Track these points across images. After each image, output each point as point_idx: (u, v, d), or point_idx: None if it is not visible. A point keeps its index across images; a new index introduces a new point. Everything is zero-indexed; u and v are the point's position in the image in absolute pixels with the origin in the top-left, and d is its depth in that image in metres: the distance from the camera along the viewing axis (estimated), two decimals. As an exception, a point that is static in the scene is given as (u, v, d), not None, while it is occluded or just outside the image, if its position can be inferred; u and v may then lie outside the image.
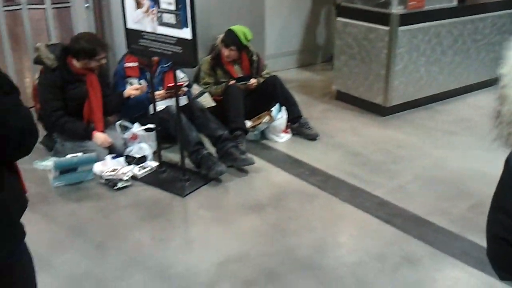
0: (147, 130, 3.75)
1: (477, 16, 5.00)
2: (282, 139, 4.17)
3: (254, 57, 4.44)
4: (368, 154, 3.98)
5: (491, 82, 5.43)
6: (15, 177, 1.41)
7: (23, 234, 1.45)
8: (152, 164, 3.59)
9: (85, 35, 3.65)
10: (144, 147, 3.66)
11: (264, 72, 4.49)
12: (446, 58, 4.89)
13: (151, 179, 3.48)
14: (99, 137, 3.59)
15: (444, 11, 4.72)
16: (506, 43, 5.22)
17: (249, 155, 3.72)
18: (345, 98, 4.99)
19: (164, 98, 3.84)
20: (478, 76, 5.31)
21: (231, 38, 4.23)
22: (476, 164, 3.82)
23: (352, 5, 4.74)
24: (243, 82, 4.24)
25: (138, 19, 3.17)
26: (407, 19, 4.43)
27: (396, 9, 4.38)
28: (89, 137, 3.58)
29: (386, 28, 4.43)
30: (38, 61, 3.59)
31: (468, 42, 5.02)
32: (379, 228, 3.04)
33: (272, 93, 4.26)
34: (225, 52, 4.25)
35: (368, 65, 4.67)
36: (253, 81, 4.28)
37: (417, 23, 4.53)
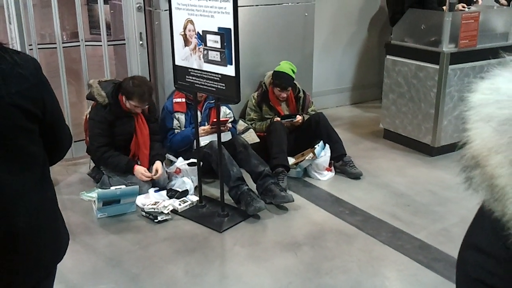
0: (190, 164, 3.84)
1: (532, 55, 4.84)
2: (324, 177, 4.14)
3: (301, 94, 4.47)
4: (412, 195, 3.89)
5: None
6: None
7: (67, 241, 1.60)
8: (193, 198, 3.65)
9: (138, 81, 3.69)
10: (187, 181, 3.74)
11: (310, 109, 4.51)
12: (499, 97, 4.74)
13: (191, 213, 3.54)
14: (138, 169, 3.69)
15: (497, 50, 4.56)
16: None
17: (289, 192, 3.72)
18: (392, 137, 4.92)
19: (209, 133, 3.94)
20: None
21: (285, 79, 4.25)
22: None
23: (402, 43, 4.71)
24: (289, 120, 4.27)
25: (185, 56, 3.30)
26: (458, 57, 4.36)
27: (447, 48, 4.33)
28: (130, 171, 3.69)
29: (436, 66, 4.37)
30: (90, 97, 3.78)
31: (523, 81, 4.85)
32: (418, 272, 2.94)
33: (316, 130, 4.26)
34: (281, 94, 4.29)
35: (417, 104, 4.60)
36: (298, 118, 4.30)
37: (469, 62, 4.44)
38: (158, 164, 3.75)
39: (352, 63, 6.13)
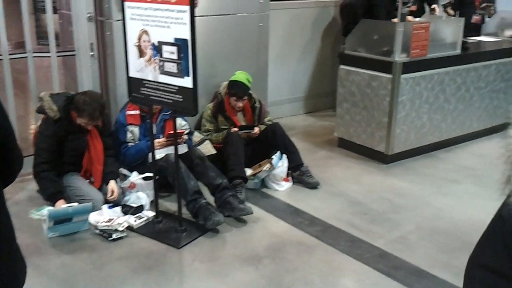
0: (145, 178, 3.74)
1: (480, 63, 5.02)
2: (282, 188, 4.13)
3: (257, 104, 4.45)
4: (368, 203, 3.92)
5: (495, 130, 5.43)
6: None
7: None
8: (149, 214, 3.55)
9: (89, 98, 3.53)
10: (142, 196, 3.63)
11: (266, 119, 4.49)
12: (449, 105, 4.88)
13: (147, 229, 3.43)
14: (59, 205, 3.46)
15: (447, 59, 4.74)
16: (509, 90, 5.24)
17: (248, 205, 3.67)
18: (347, 146, 4.96)
19: (164, 146, 3.85)
20: (482, 123, 5.29)
21: (240, 88, 4.22)
22: (479, 214, 3.74)
23: (355, 53, 4.77)
24: (247, 131, 4.24)
25: (140, 67, 3.22)
26: (410, 67, 4.45)
27: (399, 57, 4.41)
28: (52, 201, 3.50)
29: (389, 76, 4.44)
30: (41, 110, 3.62)
31: (471, 89, 5.02)
32: (379, 281, 2.96)
33: (273, 140, 4.25)
34: (237, 103, 4.25)
35: (371, 113, 4.66)
36: (256, 130, 4.27)
37: (420, 71, 4.54)
38: (112, 185, 3.63)
39: (306, 73, 6.18)
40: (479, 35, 5.98)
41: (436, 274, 3.02)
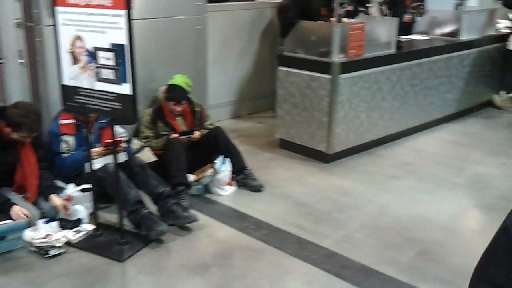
0: (83, 190, 3.57)
1: (414, 61, 5.17)
2: (226, 192, 4.07)
3: (197, 108, 4.37)
4: (313, 203, 3.93)
5: (429, 125, 5.61)
6: None
7: None
8: (88, 227, 3.39)
9: (23, 109, 3.35)
10: (80, 209, 3.46)
11: (207, 123, 4.42)
12: (386, 103, 4.99)
13: (86, 244, 3.27)
14: (14, 210, 3.26)
15: (382, 58, 4.84)
16: (441, 87, 5.44)
17: (192, 212, 3.59)
18: (288, 146, 4.97)
19: (102, 155, 3.69)
20: (417, 120, 5.45)
21: (179, 92, 4.13)
22: (419, 208, 3.85)
23: (294, 55, 4.78)
24: (187, 136, 4.15)
25: (74, 75, 3.06)
26: (347, 67, 4.51)
27: (337, 58, 4.45)
28: (6, 212, 3.26)
29: (328, 76, 4.48)
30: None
31: (406, 87, 5.15)
32: (328, 282, 2.96)
33: (215, 144, 4.19)
34: (175, 107, 4.16)
35: (311, 113, 4.69)
36: (196, 134, 4.19)
37: (358, 71, 4.61)
38: (55, 199, 3.43)
39: (245, 75, 6.15)
40: (410, 34, 6.16)
41: (383, 271, 3.06)
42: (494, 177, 4.49)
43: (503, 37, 6.44)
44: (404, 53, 5.14)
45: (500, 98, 6.53)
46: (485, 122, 6.07)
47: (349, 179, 4.40)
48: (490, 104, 6.57)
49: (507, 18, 6.90)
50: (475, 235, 3.52)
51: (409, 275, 3.01)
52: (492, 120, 6.17)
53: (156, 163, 4.02)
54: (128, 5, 2.72)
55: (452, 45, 5.73)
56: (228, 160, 4.14)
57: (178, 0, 4.52)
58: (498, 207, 3.88)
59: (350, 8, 5.30)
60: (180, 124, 4.28)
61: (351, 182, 4.34)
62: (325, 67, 4.47)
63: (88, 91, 3.03)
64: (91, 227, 3.40)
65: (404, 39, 5.63)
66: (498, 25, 6.62)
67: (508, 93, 6.53)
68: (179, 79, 4.20)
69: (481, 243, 3.46)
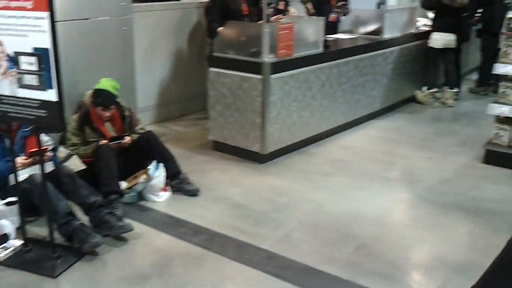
0: (8, 204, 3.36)
1: (341, 60, 5.27)
2: (161, 198, 3.96)
3: (126, 113, 4.22)
4: (251, 205, 3.92)
5: (357, 122, 5.76)
6: None
7: None
8: (15, 243, 3.19)
9: None
10: (5, 224, 3.25)
11: (138, 128, 4.28)
12: (316, 102, 5.06)
13: (15, 260, 3.07)
14: None
15: (311, 58, 4.90)
16: (367, 84, 5.61)
17: (127, 221, 3.46)
18: (222, 148, 4.93)
19: (26, 165, 3.48)
20: (345, 117, 5.57)
21: (106, 97, 3.97)
22: (353, 204, 3.93)
23: (225, 55, 4.74)
24: (117, 142, 4.00)
25: (-7, 82, 2.85)
26: (278, 67, 4.52)
27: (268, 58, 4.45)
28: None
29: (259, 76, 4.47)
30: None
31: (334, 85, 5.25)
32: (270, 284, 2.95)
33: (148, 149, 4.07)
34: (104, 113, 3.99)
35: (244, 114, 4.66)
36: (127, 139, 4.06)
37: (288, 70, 4.64)
38: None
39: (174, 76, 6.03)
40: (336, 33, 6.29)
41: (323, 269, 3.09)
42: (421, 170, 4.67)
43: (424, 35, 6.73)
44: (332, 52, 5.24)
45: (422, 93, 6.82)
46: (409, 118, 6.32)
47: (284, 179, 4.42)
48: (413, 99, 6.85)
49: (425, 17, 7.22)
50: (408, 228, 3.64)
51: (349, 272, 3.06)
52: (416, 115, 6.43)
53: (85, 172, 3.85)
54: (51, 7, 2.56)
55: (376, 43, 5.91)
56: (161, 165, 4.04)
57: (102, 0, 4.35)
58: (428, 199, 4.04)
59: (281, 6, 5.34)
60: (109, 129, 4.12)
61: (287, 182, 4.36)
62: (256, 68, 4.47)
63: (10, 98, 2.83)
64: (19, 242, 3.20)
65: (330, 38, 5.73)
66: (418, 23, 6.91)
67: (429, 88, 6.81)
68: (106, 83, 4.04)
69: (413, 235, 3.62)
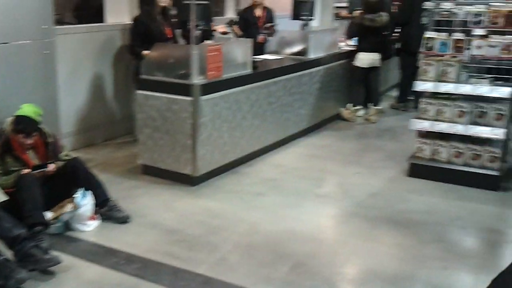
0: None
1: (270, 80, 5.36)
2: (90, 228, 3.80)
3: (50, 139, 4.04)
4: (184, 229, 3.85)
5: (286, 141, 5.85)
6: None
7: None
8: None
9: None
10: None
11: (62, 154, 4.10)
12: (246, 122, 5.08)
13: None
14: None
15: (241, 78, 4.94)
16: (295, 103, 5.71)
17: (54, 253, 3.29)
18: (152, 172, 4.82)
19: None
20: (275, 136, 5.64)
21: (28, 124, 3.77)
22: (286, 222, 3.96)
23: (153, 78, 4.67)
24: (41, 170, 3.81)
25: None
26: (208, 88, 4.51)
27: (197, 80, 4.43)
28: None
29: (189, 98, 4.44)
30: None
31: (264, 105, 5.31)
32: (207, 310, 2.90)
33: (74, 177, 3.91)
34: (25, 140, 3.79)
35: (173, 136, 4.60)
36: (51, 167, 3.87)
37: (218, 92, 4.64)
38: None
39: (99, 99, 5.86)
40: (263, 54, 6.39)
41: (261, 290, 3.08)
42: (351, 185, 4.79)
43: (347, 55, 6.98)
44: (260, 73, 5.30)
45: (346, 111, 7.04)
46: (336, 134, 6.49)
47: (217, 200, 4.39)
48: (339, 117, 7.05)
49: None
50: (341, 243, 3.70)
51: (286, 292, 3.07)
52: (343, 132, 6.62)
53: (7, 203, 3.61)
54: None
55: (302, 63, 6.05)
56: (89, 193, 3.88)
57: (21, 23, 4.17)
58: (359, 214, 4.15)
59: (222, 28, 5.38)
60: (32, 157, 3.93)
61: (220, 203, 4.33)
62: (185, 89, 4.43)
63: None
64: None
65: (258, 59, 5.81)
66: (340, 44, 7.16)
67: (355, 105, 7.04)
68: (27, 109, 3.85)
69: (347, 250, 3.68)
